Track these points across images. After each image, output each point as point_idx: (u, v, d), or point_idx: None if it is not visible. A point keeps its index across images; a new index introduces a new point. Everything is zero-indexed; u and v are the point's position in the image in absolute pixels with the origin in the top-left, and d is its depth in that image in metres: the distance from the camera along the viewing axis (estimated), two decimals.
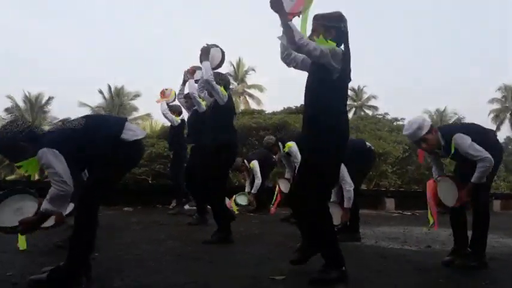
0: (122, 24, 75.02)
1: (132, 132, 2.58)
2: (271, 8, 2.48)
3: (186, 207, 7.18)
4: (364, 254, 3.78)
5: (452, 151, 3.20)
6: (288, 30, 2.49)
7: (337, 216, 4.29)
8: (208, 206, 6.98)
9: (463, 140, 3.14)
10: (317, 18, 2.71)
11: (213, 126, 4.32)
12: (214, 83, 4.19)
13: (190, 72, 5.31)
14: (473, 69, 69.34)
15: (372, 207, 9.62)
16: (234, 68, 37.36)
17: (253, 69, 37.33)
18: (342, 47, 2.70)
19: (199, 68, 5.40)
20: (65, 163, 2.35)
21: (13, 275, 2.61)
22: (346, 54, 2.67)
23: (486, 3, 75.62)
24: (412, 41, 74.38)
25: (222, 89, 4.27)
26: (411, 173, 14.35)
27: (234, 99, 4.72)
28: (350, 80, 2.73)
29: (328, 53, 2.55)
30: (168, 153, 10.39)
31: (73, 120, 2.61)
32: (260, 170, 7.50)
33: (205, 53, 4.28)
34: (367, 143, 4.86)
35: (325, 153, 2.63)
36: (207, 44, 4.37)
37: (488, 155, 3.07)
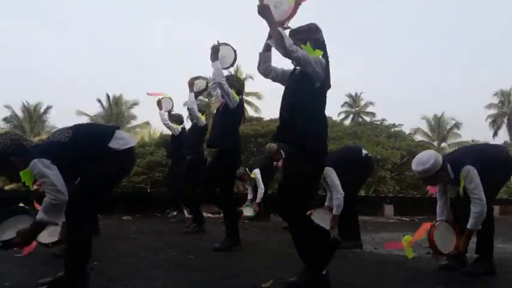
0: (120, 33, 75.28)
1: (123, 140, 2.57)
2: (259, 14, 2.50)
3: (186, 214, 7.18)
4: (364, 261, 3.77)
5: (462, 185, 3.13)
6: (277, 35, 2.47)
7: (326, 221, 4.28)
8: (209, 214, 7.05)
9: (470, 174, 3.08)
10: (294, 33, 2.69)
11: (219, 129, 4.29)
12: (226, 85, 4.09)
13: (190, 85, 5.26)
14: (470, 74, 69.70)
15: (371, 214, 9.60)
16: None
17: (251, 77, 37.39)
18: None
19: (200, 78, 5.45)
20: (57, 172, 2.33)
21: (10, 286, 2.59)
22: (327, 64, 2.67)
23: (483, 9, 76.17)
24: (410, 46, 74.78)
25: (234, 93, 4.20)
26: (410, 179, 14.36)
27: None
28: (330, 87, 2.71)
29: (314, 61, 2.55)
30: (166, 161, 10.40)
31: (60, 131, 2.59)
32: (261, 178, 7.53)
33: (214, 52, 4.11)
34: (364, 151, 4.77)
35: (303, 160, 2.59)
36: (217, 42, 4.19)
37: (483, 201, 3.01)
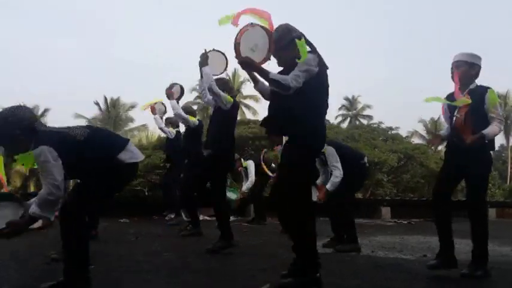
0: (117, 34, 75.32)
1: (132, 154, 2.57)
2: (244, 69, 2.53)
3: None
4: (360, 264, 3.78)
5: (487, 101, 3.12)
6: (271, 81, 2.49)
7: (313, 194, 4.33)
8: (206, 217, 7.05)
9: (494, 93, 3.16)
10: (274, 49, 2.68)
11: (213, 134, 4.33)
12: (216, 87, 4.12)
13: (168, 95, 5.61)
14: None
15: (368, 216, 9.63)
16: (230, 79, 37.50)
17: (249, 80, 37.43)
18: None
19: (175, 85, 6.00)
20: (61, 167, 2.30)
21: None
22: (315, 50, 2.65)
23: (479, 13, 76.62)
24: (405, 48, 75.09)
25: (226, 95, 4.23)
26: (407, 182, 14.39)
27: None
28: (327, 67, 2.69)
29: (307, 68, 2.55)
30: (164, 163, 10.40)
31: (76, 128, 2.56)
32: (256, 179, 7.61)
33: (204, 59, 4.13)
34: (365, 159, 4.82)
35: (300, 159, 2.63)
36: (205, 50, 4.20)
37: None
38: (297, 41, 2.57)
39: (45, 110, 33.39)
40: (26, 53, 65.78)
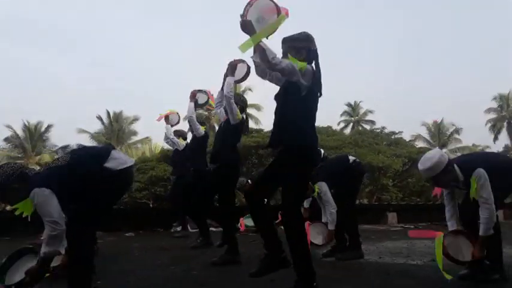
0: (118, 48, 75.90)
1: (119, 160, 2.62)
2: (242, 30, 2.55)
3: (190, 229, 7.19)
4: (368, 270, 3.75)
5: (474, 187, 3.04)
6: (260, 49, 2.53)
7: (321, 236, 4.63)
8: (212, 228, 7.03)
9: (482, 178, 3.03)
10: (286, 41, 2.77)
11: (219, 146, 4.35)
12: (232, 100, 4.14)
13: (192, 95, 5.38)
14: (468, 79, 69.83)
15: (375, 222, 9.58)
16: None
17: (250, 89, 37.54)
18: (313, 65, 2.77)
19: (203, 92, 5.54)
20: (56, 202, 2.40)
21: None
22: (317, 72, 2.74)
23: (481, 13, 76.78)
24: (408, 52, 75.23)
25: (238, 111, 4.25)
26: (412, 186, 14.32)
27: None
28: (321, 95, 2.77)
29: (298, 71, 2.61)
30: (168, 176, 10.41)
31: (59, 157, 2.68)
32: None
33: (232, 68, 4.18)
34: (351, 157, 4.74)
35: (289, 167, 2.66)
36: (234, 60, 4.23)
37: (492, 206, 3.00)
38: (289, 55, 2.67)
39: (49, 126, 33.60)
40: (33, 69, 66.26)
